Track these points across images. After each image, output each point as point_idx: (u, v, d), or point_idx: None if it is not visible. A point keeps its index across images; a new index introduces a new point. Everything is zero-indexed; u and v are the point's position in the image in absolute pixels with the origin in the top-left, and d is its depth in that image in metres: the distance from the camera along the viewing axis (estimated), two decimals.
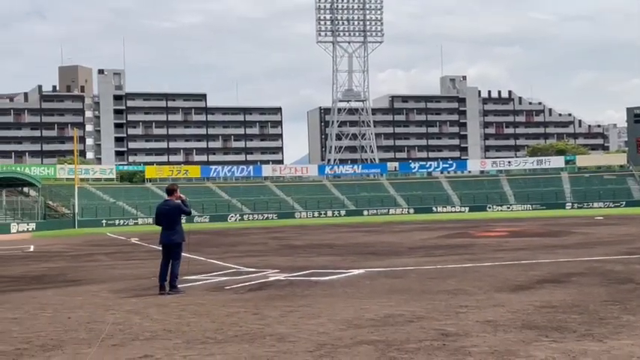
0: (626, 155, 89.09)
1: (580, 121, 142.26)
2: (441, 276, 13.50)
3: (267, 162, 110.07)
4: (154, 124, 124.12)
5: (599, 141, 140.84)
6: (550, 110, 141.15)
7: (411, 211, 75.82)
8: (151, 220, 53.54)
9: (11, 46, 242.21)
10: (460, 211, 75.26)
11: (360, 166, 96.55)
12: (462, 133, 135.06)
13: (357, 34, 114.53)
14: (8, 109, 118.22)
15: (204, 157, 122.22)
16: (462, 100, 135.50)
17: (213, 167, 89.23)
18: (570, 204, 75.74)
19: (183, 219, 12.43)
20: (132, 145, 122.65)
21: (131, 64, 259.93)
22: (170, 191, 12.41)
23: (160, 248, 12.41)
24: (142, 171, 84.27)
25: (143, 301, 11.14)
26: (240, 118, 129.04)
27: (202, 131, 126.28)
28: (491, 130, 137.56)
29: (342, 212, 75.09)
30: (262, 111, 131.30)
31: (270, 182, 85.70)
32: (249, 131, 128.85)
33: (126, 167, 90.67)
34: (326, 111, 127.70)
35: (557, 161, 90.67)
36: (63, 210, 66.32)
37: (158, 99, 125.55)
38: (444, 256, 18.43)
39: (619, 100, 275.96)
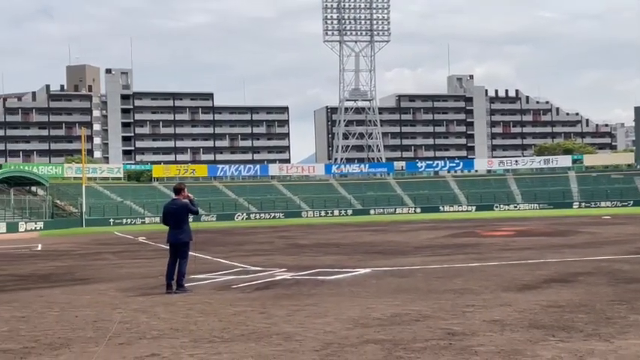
0: (634, 154, 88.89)
1: (587, 120, 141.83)
2: (447, 275, 13.48)
3: (274, 161, 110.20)
4: (161, 123, 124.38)
5: (607, 140, 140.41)
6: (557, 109, 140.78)
7: (418, 210, 75.74)
8: (158, 219, 53.58)
9: (19, 46, 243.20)
10: (467, 211, 75.16)
11: (367, 166, 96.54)
12: (468, 132, 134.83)
13: (364, 33, 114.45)
14: (16, 109, 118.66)
15: (211, 157, 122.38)
16: (468, 100, 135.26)
17: (220, 166, 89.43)
18: (577, 203, 75.53)
19: (191, 218, 12.44)
20: (139, 144, 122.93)
21: (138, 64, 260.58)
22: (177, 190, 12.42)
23: (168, 247, 12.43)
24: (149, 170, 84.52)
25: (150, 299, 11.16)
26: (247, 117, 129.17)
27: (209, 130, 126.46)
28: (499, 130, 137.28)
29: (349, 211, 75.10)
30: (269, 110, 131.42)
31: (276, 181, 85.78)
32: (256, 130, 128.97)
33: (133, 166, 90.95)
34: (333, 110, 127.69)
35: (565, 160, 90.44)
36: (70, 209, 66.55)
37: (165, 98, 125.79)
38: (450, 256, 18.41)
39: (627, 99, 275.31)
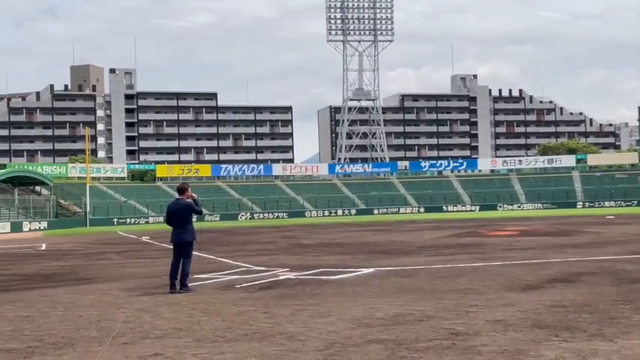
0: (638, 154, 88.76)
1: (591, 119, 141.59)
2: (450, 275, 13.48)
3: (277, 161, 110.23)
4: (164, 123, 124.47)
5: (611, 140, 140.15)
6: (561, 109, 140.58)
7: (422, 210, 75.72)
8: (161, 219, 53.71)
9: (23, 46, 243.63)
10: (470, 210, 75.12)
11: (371, 165, 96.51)
12: (472, 132, 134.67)
13: (367, 32, 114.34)
14: (20, 108, 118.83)
15: (214, 156, 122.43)
16: (472, 99, 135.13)
17: (224, 166, 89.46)
18: (581, 203, 75.44)
19: (194, 218, 12.45)
20: (143, 144, 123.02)
21: (142, 64, 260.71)
22: (181, 190, 12.43)
23: (171, 247, 12.45)
24: (152, 170, 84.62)
25: (154, 299, 11.18)
26: (250, 117, 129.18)
27: (213, 130, 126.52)
28: (502, 129, 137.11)
29: (353, 211, 75.11)
30: (273, 110, 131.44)
31: (280, 181, 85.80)
32: (259, 130, 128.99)
33: (137, 166, 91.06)
34: (336, 110, 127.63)
35: (568, 160, 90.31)
36: (74, 209, 66.66)
37: (169, 98, 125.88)
38: (454, 255, 18.41)
39: (630, 98, 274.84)
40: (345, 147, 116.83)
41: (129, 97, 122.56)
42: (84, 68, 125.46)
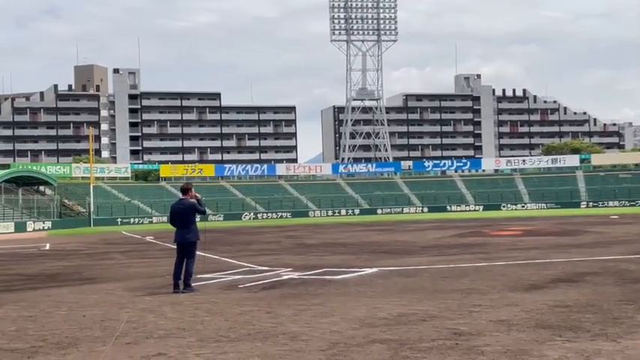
0: None
1: (595, 119, 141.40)
2: (454, 275, 13.48)
3: (281, 161, 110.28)
4: (168, 123, 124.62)
5: (615, 139, 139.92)
6: (565, 109, 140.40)
7: (425, 209, 75.66)
8: (165, 219, 53.75)
9: (27, 46, 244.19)
10: (474, 210, 75.05)
11: (374, 165, 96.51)
12: (476, 131, 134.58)
13: (371, 32, 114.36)
14: (24, 109, 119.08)
15: (218, 156, 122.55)
16: (476, 99, 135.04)
17: (228, 166, 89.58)
18: (585, 203, 75.31)
19: (198, 218, 12.46)
20: (147, 143, 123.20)
21: (146, 64, 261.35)
22: (185, 190, 12.44)
23: (175, 247, 12.47)
24: (156, 170, 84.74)
25: (157, 299, 11.19)
26: (254, 117, 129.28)
27: (217, 130, 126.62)
28: (506, 129, 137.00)
29: (356, 211, 75.11)
30: (276, 110, 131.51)
31: (284, 181, 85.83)
32: (263, 130, 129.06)
33: (141, 166, 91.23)
34: (340, 110, 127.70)
35: (572, 160, 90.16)
36: (78, 208, 66.76)
37: (173, 98, 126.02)
38: (457, 255, 18.39)
39: (634, 98, 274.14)
40: (349, 147, 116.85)
41: (132, 97, 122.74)
42: (88, 68, 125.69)
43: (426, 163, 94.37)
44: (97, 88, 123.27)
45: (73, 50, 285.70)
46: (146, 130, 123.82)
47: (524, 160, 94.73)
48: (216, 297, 11.21)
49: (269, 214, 72.50)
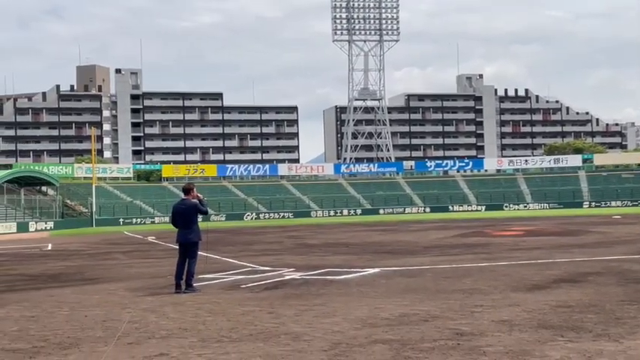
0: None
1: (597, 119, 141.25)
2: (456, 275, 13.46)
3: (283, 161, 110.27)
4: (170, 123, 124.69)
5: (617, 139, 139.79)
6: (567, 108, 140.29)
7: (427, 210, 75.65)
8: (167, 219, 53.60)
9: (29, 46, 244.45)
10: (476, 210, 75.02)
11: (376, 165, 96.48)
12: (478, 131, 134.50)
13: (373, 32, 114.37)
14: (27, 109, 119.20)
15: (220, 156, 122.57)
16: (478, 99, 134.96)
17: (230, 166, 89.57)
18: (588, 203, 75.27)
19: (200, 218, 12.46)
20: (149, 144, 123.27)
21: (148, 64, 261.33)
22: (187, 190, 12.44)
23: (177, 247, 12.47)
24: (158, 170, 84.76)
25: (159, 299, 11.20)
26: (256, 117, 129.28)
27: (219, 130, 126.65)
28: (508, 129, 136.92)
29: (358, 211, 75.11)
30: (278, 110, 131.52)
31: (286, 181, 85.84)
32: (265, 130, 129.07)
33: (143, 166, 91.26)
34: (342, 110, 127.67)
35: (575, 160, 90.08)
36: (80, 209, 66.82)
37: (175, 98, 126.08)
38: (459, 255, 18.38)
39: (637, 98, 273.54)
40: (351, 147, 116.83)
41: (135, 98, 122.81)
42: (90, 68, 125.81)
43: (428, 163, 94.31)
44: (99, 88, 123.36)
45: (75, 50, 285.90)
46: (148, 130, 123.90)
47: (526, 160, 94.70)
48: (218, 297, 11.21)
49: (271, 215, 72.52)
